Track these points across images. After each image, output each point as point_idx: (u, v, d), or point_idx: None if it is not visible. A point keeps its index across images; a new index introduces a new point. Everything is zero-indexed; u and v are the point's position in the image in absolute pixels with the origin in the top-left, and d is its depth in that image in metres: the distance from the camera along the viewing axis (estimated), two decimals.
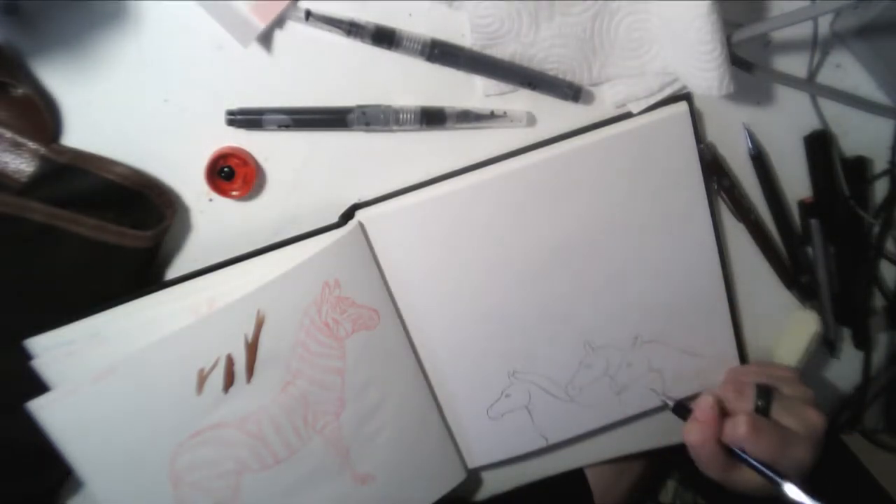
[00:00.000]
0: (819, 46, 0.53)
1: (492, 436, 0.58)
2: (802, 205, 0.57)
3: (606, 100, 0.53)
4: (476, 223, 0.52)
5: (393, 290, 0.53)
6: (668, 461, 0.74)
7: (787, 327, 0.60)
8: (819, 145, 0.55)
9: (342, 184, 0.52)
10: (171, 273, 0.52)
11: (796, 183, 0.57)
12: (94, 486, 0.49)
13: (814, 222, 0.57)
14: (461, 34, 0.50)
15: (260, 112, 0.49)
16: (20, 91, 0.46)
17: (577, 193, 0.53)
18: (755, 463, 0.48)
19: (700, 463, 0.51)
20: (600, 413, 0.59)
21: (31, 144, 0.46)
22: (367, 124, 0.50)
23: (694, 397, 0.58)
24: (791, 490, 0.47)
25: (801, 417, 0.50)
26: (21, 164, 0.46)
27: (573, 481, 0.65)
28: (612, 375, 0.58)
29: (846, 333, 0.62)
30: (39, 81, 0.47)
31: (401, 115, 0.50)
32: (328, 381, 0.51)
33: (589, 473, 0.66)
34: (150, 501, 0.50)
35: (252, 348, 0.49)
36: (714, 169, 0.54)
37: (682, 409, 0.54)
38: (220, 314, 0.48)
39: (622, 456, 0.63)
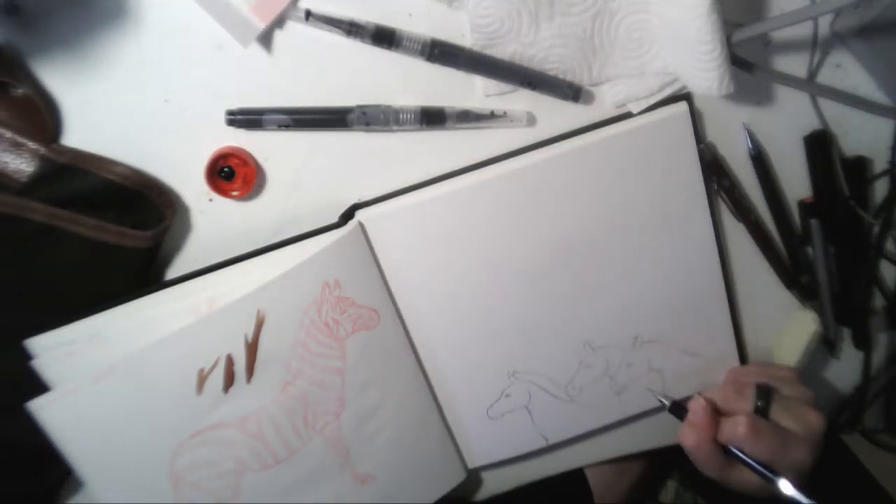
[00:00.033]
0: (819, 46, 0.53)
1: (492, 436, 0.58)
2: (802, 205, 0.57)
3: (606, 100, 0.53)
4: (476, 223, 0.52)
5: (393, 290, 0.53)
6: (668, 461, 0.74)
7: (787, 327, 0.60)
8: (819, 145, 0.55)
9: (342, 184, 0.52)
10: (171, 273, 0.52)
11: (796, 183, 0.57)
12: (94, 486, 0.49)
13: (814, 222, 0.57)
14: (461, 34, 0.50)
15: (260, 112, 0.49)
16: (20, 91, 0.46)
17: (577, 193, 0.53)
18: (751, 462, 0.48)
19: (697, 463, 0.51)
20: (600, 413, 0.59)
21: (31, 144, 0.46)
22: (367, 124, 0.50)
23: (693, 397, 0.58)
24: (785, 486, 0.47)
25: (800, 418, 0.50)
26: (21, 164, 0.46)
27: (573, 481, 0.65)
28: (612, 375, 0.58)
29: (846, 333, 0.62)
30: (39, 81, 0.47)
31: (401, 115, 0.50)
32: (328, 381, 0.51)
33: (589, 473, 0.66)
34: (150, 501, 0.50)
35: (252, 348, 0.49)
36: (714, 169, 0.54)
37: (679, 409, 0.54)
38: (220, 314, 0.48)
39: (622, 456, 0.63)
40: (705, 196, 0.54)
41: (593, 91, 0.52)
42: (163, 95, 0.49)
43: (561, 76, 0.51)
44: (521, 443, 0.59)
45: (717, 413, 0.52)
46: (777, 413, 0.50)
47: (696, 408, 0.51)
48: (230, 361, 0.49)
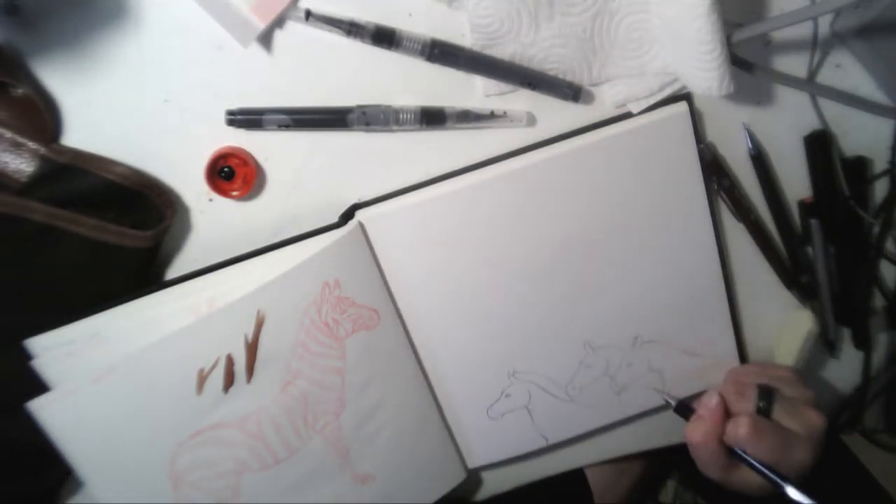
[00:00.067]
0: (819, 46, 0.53)
1: (492, 436, 0.58)
2: (802, 205, 0.57)
3: (606, 100, 0.53)
4: (476, 223, 0.52)
5: (393, 290, 0.53)
6: (668, 461, 0.74)
7: (785, 327, 0.60)
8: (819, 145, 0.55)
9: (342, 184, 0.52)
10: (171, 273, 0.52)
11: (796, 183, 0.57)
12: (94, 486, 0.49)
13: (814, 222, 0.57)
14: (461, 34, 0.50)
15: (260, 112, 0.49)
16: (20, 91, 0.46)
17: (577, 193, 0.53)
18: (757, 465, 0.48)
19: (700, 462, 0.51)
20: (600, 413, 0.59)
21: (31, 144, 0.46)
22: (367, 124, 0.50)
23: (696, 396, 0.58)
24: (794, 493, 0.46)
25: (802, 419, 0.50)
26: (21, 164, 0.46)
27: (573, 481, 0.65)
28: (612, 375, 0.58)
29: (846, 333, 0.62)
30: (39, 81, 0.47)
31: (401, 115, 0.50)
32: (328, 381, 0.51)
33: (589, 473, 0.66)
34: (150, 501, 0.50)
35: (252, 348, 0.49)
36: (714, 169, 0.54)
37: (684, 408, 0.54)
38: (220, 314, 0.48)
39: (622, 456, 0.63)
40: (705, 196, 0.54)
41: (593, 91, 0.52)
42: (163, 95, 0.49)
43: (561, 76, 0.51)
44: (521, 443, 0.59)
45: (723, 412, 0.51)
46: (779, 413, 0.50)
47: (709, 403, 0.51)
48: (230, 361, 0.49)
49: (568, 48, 0.50)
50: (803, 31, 0.53)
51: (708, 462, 0.50)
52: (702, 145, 0.53)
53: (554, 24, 0.49)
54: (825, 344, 0.61)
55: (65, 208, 0.46)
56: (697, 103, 0.53)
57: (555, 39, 0.49)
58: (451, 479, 0.58)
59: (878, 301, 0.61)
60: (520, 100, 0.52)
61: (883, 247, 0.59)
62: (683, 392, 0.58)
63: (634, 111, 0.52)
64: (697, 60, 0.47)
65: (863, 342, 0.61)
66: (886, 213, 0.58)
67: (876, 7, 0.49)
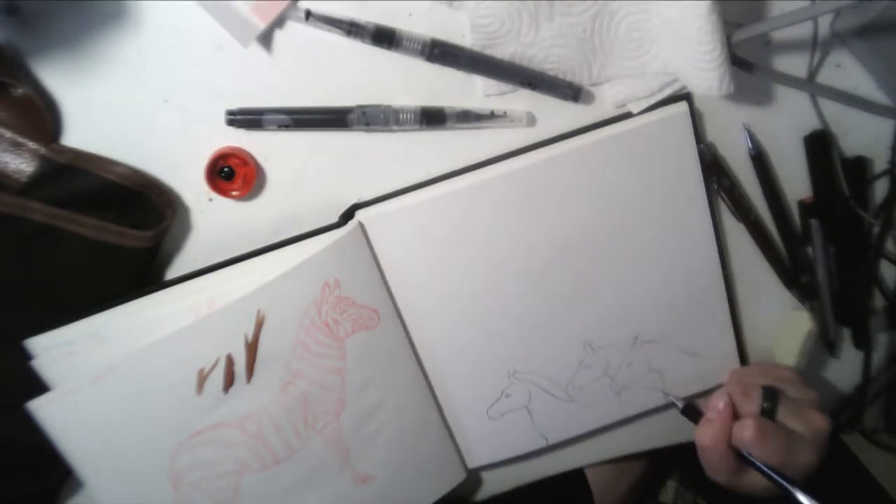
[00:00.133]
0: (819, 46, 0.53)
1: (492, 436, 0.58)
2: (802, 205, 0.57)
3: (606, 100, 0.53)
4: (476, 223, 0.52)
5: (393, 290, 0.53)
6: (668, 461, 0.74)
7: (785, 327, 0.60)
8: (819, 145, 0.55)
9: (342, 184, 0.52)
10: (171, 273, 0.52)
11: (796, 183, 0.57)
12: (94, 486, 0.49)
13: (814, 222, 0.57)
14: (461, 34, 0.50)
15: (260, 112, 0.49)
16: (20, 91, 0.46)
17: (577, 193, 0.53)
18: (765, 468, 0.48)
19: (709, 466, 0.51)
20: (600, 413, 0.59)
21: (31, 144, 0.46)
22: (367, 124, 0.50)
23: (698, 395, 0.58)
24: (803, 499, 0.46)
25: (806, 420, 0.49)
26: (21, 164, 0.46)
27: (573, 481, 0.65)
28: (612, 375, 0.58)
29: (846, 333, 0.62)
30: (39, 81, 0.47)
31: (401, 115, 0.50)
32: (328, 381, 0.51)
33: (589, 473, 0.66)
34: (150, 501, 0.50)
35: (252, 348, 0.49)
36: (714, 169, 0.54)
37: (692, 410, 0.53)
38: (220, 314, 0.48)
39: (622, 456, 0.63)
40: (705, 196, 0.54)
41: (593, 91, 0.52)
42: (163, 95, 0.49)
43: (561, 76, 0.51)
44: (521, 443, 0.59)
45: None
46: (783, 415, 0.50)
47: (718, 404, 0.50)
48: (230, 361, 0.49)
49: (568, 48, 0.50)
50: (803, 31, 0.53)
51: (717, 465, 0.50)
52: (702, 145, 0.53)
53: (554, 24, 0.49)
54: (825, 344, 0.61)
55: (65, 208, 0.46)
56: (697, 103, 0.53)
57: (555, 39, 0.49)
58: (451, 479, 0.58)
59: (878, 301, 0.61)
60: (520, 100, 0.52)
61: (883, 247, 0.59)
62: (683, 392, 0.58)
63: (634, 111, 0.52)
64: (697, 60, 0.47)
65: (863, 342, 0.61)
66: (886, 213, 0.58)
67: (876, 7, 0.49)
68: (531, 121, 0.52)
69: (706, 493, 0.72)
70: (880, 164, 0.58)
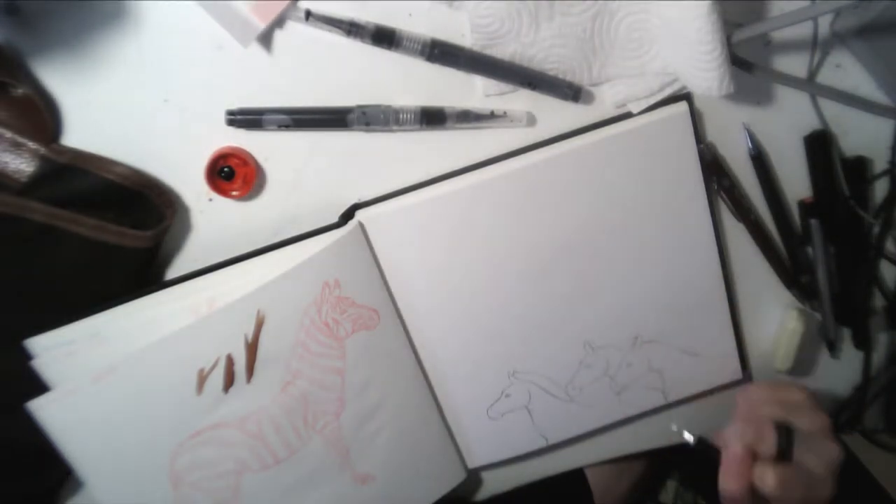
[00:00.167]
0: (819, 46, 0.53)
1: (492, 436, 0.58)
2: (802, 205, 0.57)
3: (606, 100, 0.53)
4: (476, 223, 0.52)
5: (393, 290, 0.53)
6: (668, 461, 0.74)
7: (785, 327, 0.59)
8: (819, 145, 0.55)
9: (342, 184, 0.52)
10: (171, 273, 0.52)
11: (796, 183, 0.57)
12: (94, 486, 0.49)
13: (814, 222, 0.57)
14: (461, 34, 0.50)
15: (260, 112, 0.49)
16: (20, 91, 0.46)
17: (577, 193, 0.53)
18: None
19: None
20: (600, 413, 0.59)
21: (31, 144, 0.46)
22: (367, 124, 0.50)
23: (699, 395, 0.58)
24: None
25: (821, 453, 0.48)
26: (21, 164, 0.46)
27: (573, 481, 0.65)
28: (612, 375, 0.58)
29: (846, 333, 0.62)
30: (39, 81, 0.47)
31: (401, 115, 0.50)
32: (328, 381, 0.51)
33: (589, 473, 0.66)
34: (150, 501, 0.50)
35: (252, 348, 0.49)
36: (714, 169, 0.54)
37: (705, 446, 0.52)
38: (220, 314, 0.48)
39: (622, 456, 0.63)
40: (705, 196, 0.54)
41: (593, 91, 0.52)
42: (163, 95, 0.49)
43: (561, 76, 0.51)
44: (521, 443, 0.59)
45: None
46: (799, 452, 0.48)
47: (738, 456, 0.48)
48: (230, 361, 0.49)
49: (568, 48, 0.50)
50: (803, 31, 0.53)
51: None
52: (702, 145, 0.53)
53: (554, 24, 0.49)
54: (825, 344, 0.61)
55: (65, 208, 0.46)
56: (697, 103, 0.53)
57: (555, 39, 0.49)
58: (451, 479, 0.58)
59: (878, 301, 0.61)
60: (520, 100, 0.52)
61: (883, 247, 0.59)
62: (684, 392, 0.58)
63: (634, 111, 0.52)
64: (697, 60, 0.47)
65: (863, 342, 0.61)
66: (886, 213, 0.58)
67: (876, 7, 0.49)
68: (531, 121, 0.52)
69: (706, 493, 0.72)
70: (880, 164, 0.58)
